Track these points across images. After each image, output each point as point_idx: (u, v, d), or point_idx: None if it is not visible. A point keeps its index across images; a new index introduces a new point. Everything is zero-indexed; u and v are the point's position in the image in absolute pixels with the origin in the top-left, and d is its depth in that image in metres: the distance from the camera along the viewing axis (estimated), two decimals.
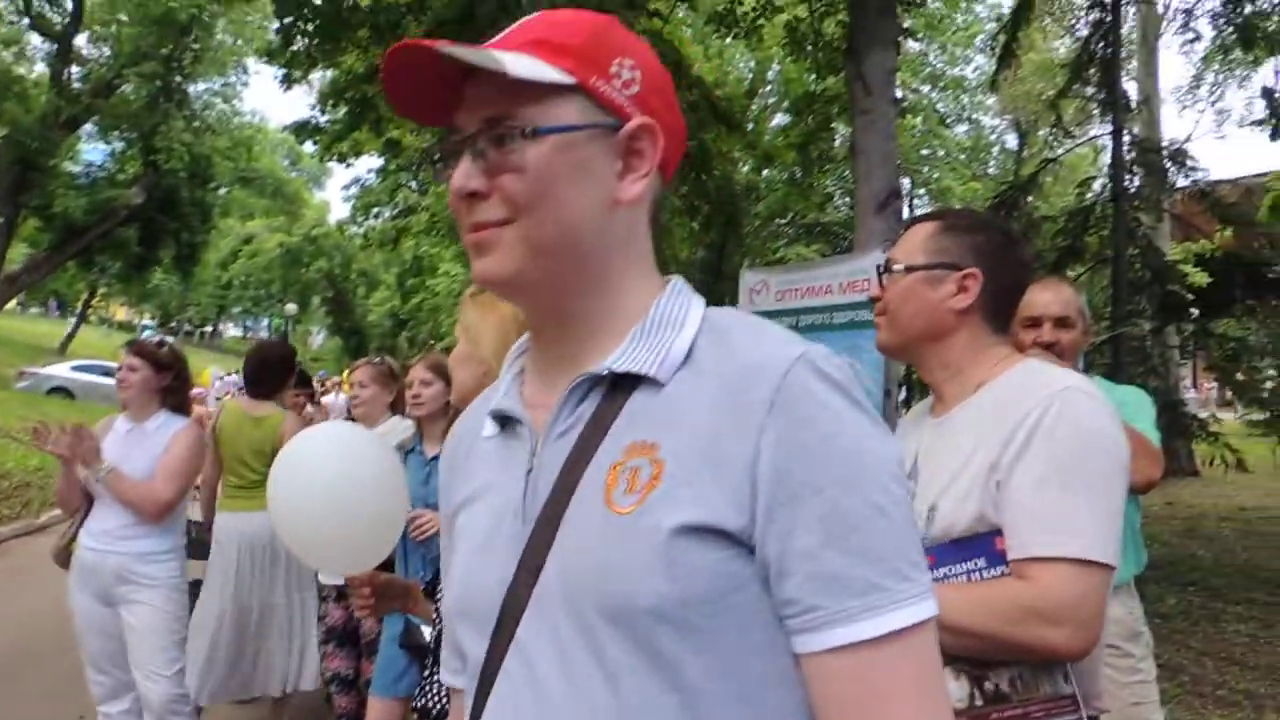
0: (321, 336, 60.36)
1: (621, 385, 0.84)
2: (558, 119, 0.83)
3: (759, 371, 0.79)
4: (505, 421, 0.93)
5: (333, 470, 1.78)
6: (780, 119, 20.86)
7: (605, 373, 0.84)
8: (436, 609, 2.08)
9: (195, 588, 3.82)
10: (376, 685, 2.96)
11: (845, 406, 0.78)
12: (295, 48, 11.85)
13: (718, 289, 14.73)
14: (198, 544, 4.18)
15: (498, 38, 0.87)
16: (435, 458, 3.03)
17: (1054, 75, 15.80)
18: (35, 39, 25.73)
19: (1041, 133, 20.50)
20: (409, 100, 0.88)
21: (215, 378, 16.47)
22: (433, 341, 31.55)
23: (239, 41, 27.28)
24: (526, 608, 0.82)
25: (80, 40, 25.15)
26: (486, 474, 0.94)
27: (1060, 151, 10.47)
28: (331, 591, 3.61)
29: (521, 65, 0.81)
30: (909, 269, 1.60)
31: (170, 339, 4.58)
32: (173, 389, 3.56)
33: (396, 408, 3.76)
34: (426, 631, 2.30)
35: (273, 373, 4.17)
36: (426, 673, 2.15)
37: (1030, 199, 8.99)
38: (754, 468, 0.76)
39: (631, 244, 0.89)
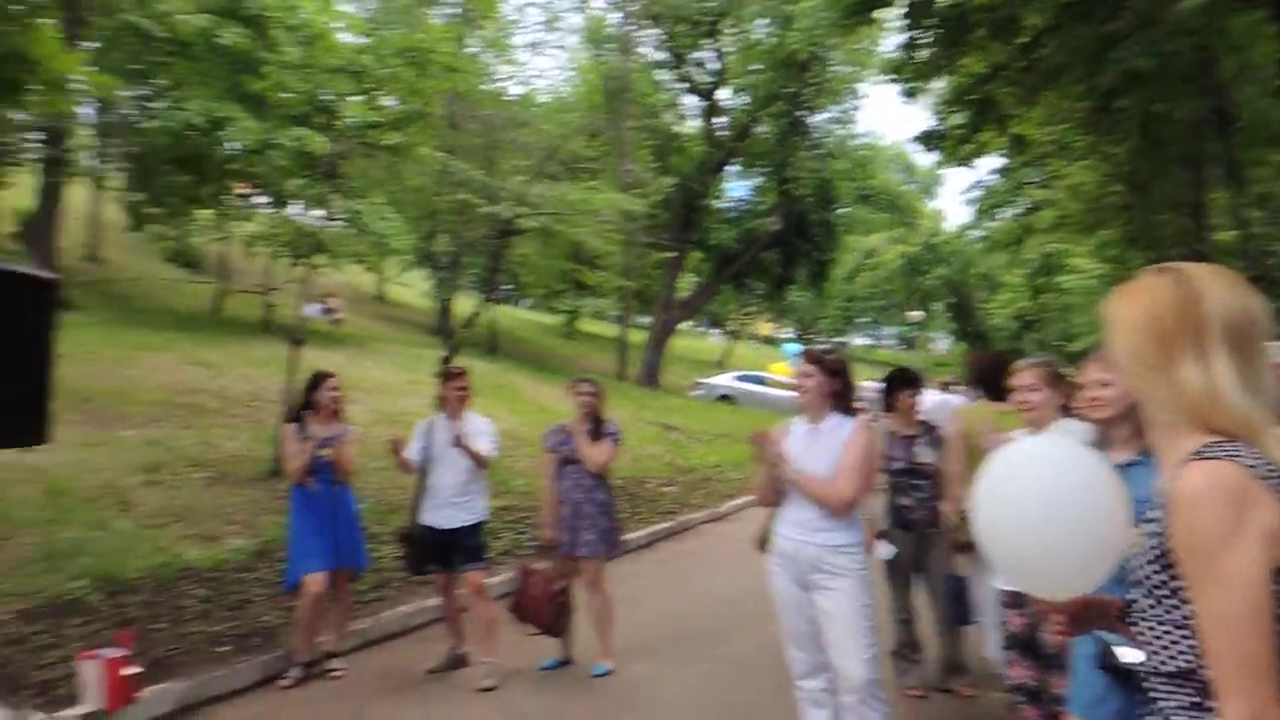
0: (944, 342, 60.66)
1: None
2: None
3: None
4: None
5: (1054, 485, 1.70)
6: None
7: None
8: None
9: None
10: (1075, 706, 2.80)
11: None
12: (917, 59, 12.10)
13: None
14: None
15: None
16: (1124, 465, 2.77)
17: None
18: (686, 100, 30.28)
19: None
20: None
21: None
22: (1063, 343, 29.70)
23: (852, 69, 28.85)
24: None
25: (721, 94, 28.86)
26: None
27: None
28: (1010, 597, 3.53)
29: None
30: None
31: (827, 348, 4.99)
32: (841, 393, 3.80)
33: (1066, 409, 3.55)
34: (1127, 653, 2.09)
35: (1004, 376, 4.55)
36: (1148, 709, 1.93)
37: None
38: None
39: None
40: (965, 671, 4.97)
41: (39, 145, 15.90)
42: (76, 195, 19.55)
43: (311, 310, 21.86)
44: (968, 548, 4.44)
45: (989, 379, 4.60)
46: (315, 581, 4.94)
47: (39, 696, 4.19)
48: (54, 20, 9.36)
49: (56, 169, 15.82)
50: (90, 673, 4.12)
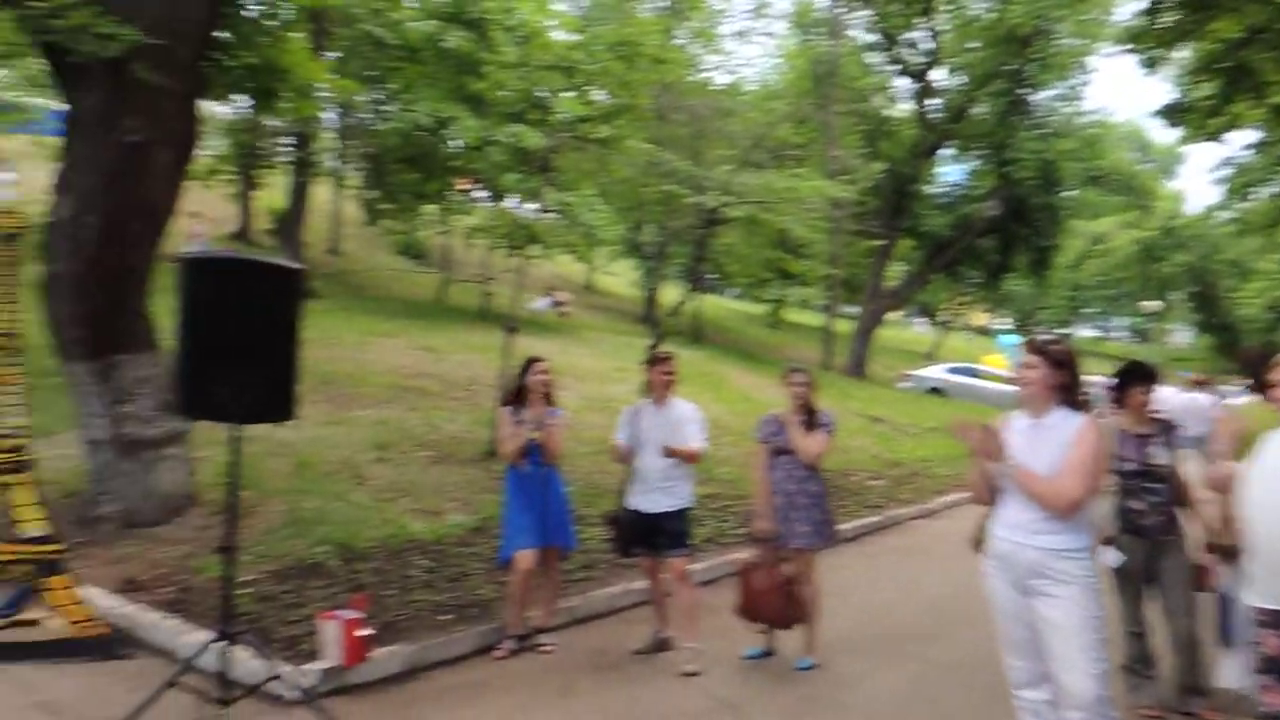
0: (1184, 334, 55.65)
1: None
2: None
3: None
4: None
5: None
6: None
7: None
8: None
9: None
10: None
11: None
12: (1159, 25, 11.12)
13: None
14: None
15: None
16: None
17: None
18: (898, 82, 29.21)
19: None
20: None
21: None
22: None
23: (1081, 42, 26.88)
24: None
25: (935, 74, 27.66)
26: None
27: None
28: (1267, 615, 3.17)
29: None
30: None
31: (1052, 338, 4.66)
32: (1068, 386, 3.53)
33: None
34: None
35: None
36: None
37: None
38: None
39: None
40: (1205, 693, 4.54)
41: (290, 149, 17.50)
42: (320, 193, 21.34)
43: (542, 304, 23.00)
44: (1231, 555, 4.04)
45: (1257, 373, 4.15)
46: (525, 558, 5.15)
47: (286, 650, 4.61)
48: (302, 33, 10.23)
49: (304, 170, 17.35)
50: (330, 632, 4.50)
